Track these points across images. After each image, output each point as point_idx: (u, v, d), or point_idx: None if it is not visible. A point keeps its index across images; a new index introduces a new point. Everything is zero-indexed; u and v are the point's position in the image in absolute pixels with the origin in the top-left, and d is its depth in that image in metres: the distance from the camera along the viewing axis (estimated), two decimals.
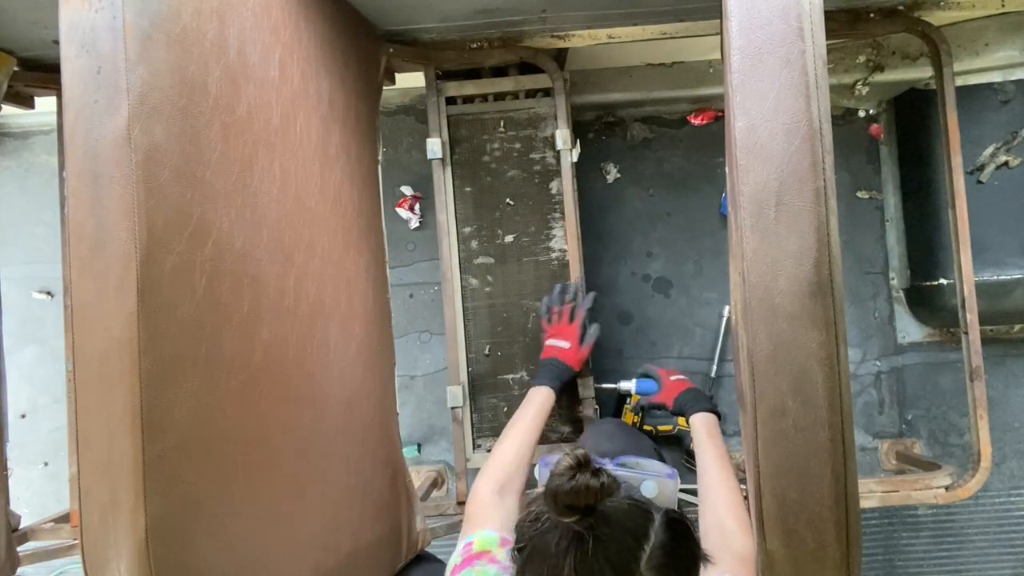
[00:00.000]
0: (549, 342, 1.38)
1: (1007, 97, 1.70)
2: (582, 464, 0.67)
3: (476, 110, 1.58)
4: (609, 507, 0.67)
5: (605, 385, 1.65)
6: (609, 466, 0.70)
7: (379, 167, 1.39)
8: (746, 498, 0.91)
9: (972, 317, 1.45)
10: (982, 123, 1.71)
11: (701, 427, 1.19)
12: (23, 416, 1.96)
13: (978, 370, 1.44)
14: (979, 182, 1.71)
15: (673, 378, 1.38)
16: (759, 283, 0.69)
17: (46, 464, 1.96)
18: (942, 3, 1.43)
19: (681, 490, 1.00)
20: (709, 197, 1.96)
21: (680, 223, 1.97)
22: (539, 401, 1.23)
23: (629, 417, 1.83)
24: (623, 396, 1.81)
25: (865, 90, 1.86)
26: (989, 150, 1.70)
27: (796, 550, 0.69)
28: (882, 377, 1.95)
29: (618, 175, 1.97)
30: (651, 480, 0.71)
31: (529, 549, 0.70)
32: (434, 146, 1.53)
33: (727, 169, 0.83)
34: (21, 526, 1.40)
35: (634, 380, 1.51)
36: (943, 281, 1.76)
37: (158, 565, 0.66)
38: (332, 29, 1.14)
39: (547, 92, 1.56)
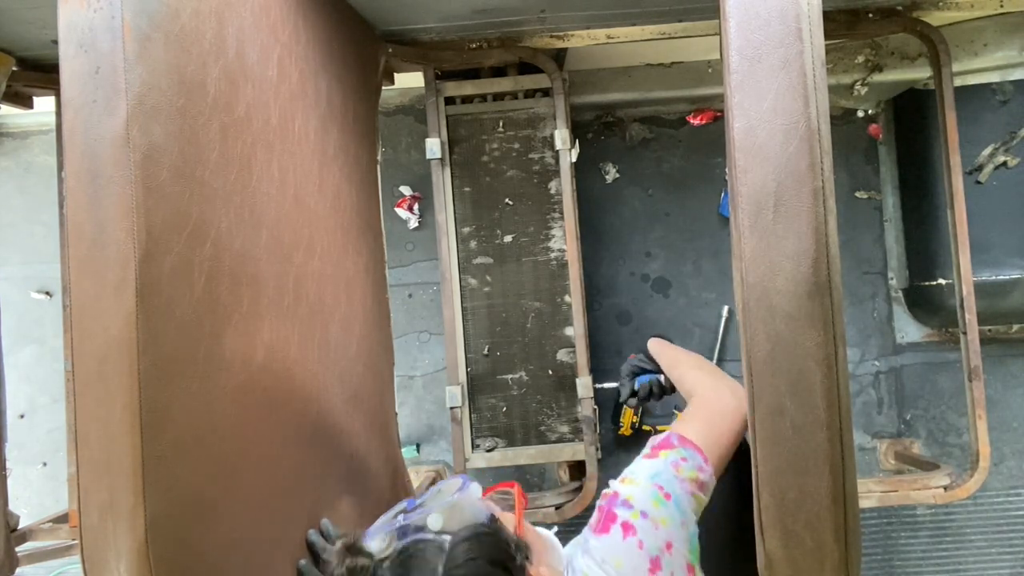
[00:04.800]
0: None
1: (1006, 97, 1.70)
2: (350, 549, 0.70)
3: (475, 110, 1.58)
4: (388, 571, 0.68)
5: (606, 385, 1.65)
6: (396, 522, 0.72)
7: (378, 167, 1.39)
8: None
9: (971, 317, 1.45)
10: (981, 123, 1.71)
11: (655, 345, 1.24)
12: (22, 416, 1.96)
13: (977, 370, 1.44)
14: (978, 182, 1.72)
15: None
16: (757, 283, 0.69)
17: (45, 464, 1.96)
18: (941, 3, 1.43)
19: None
20: (708, 197, 1.96)
21: (679, 223, 1.97)
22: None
23: (629, 417, 1.83)
24: (620, 404, 1.81)
25: (864, 90, 1.86)
26: (988, 150, 1.70)
27: (795, 550, 0.69)
28: (881, 377, 1.95)
29: (617, 175, 1.97)
30: (435, 513, 0.71)
31: None
32: (433, 146, 1.53)
33: (727, 169, 0.83)
34: (20, 526, 1.40)
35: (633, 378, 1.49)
36: (942, 281, 1.76)
37: (157, 565, 0.66)
38: (331, 29, 1.14)
39: (546, 92, 1.56)
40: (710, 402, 0.94)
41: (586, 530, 0.82)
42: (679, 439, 0.86)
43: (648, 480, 0.81)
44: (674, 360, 1.15)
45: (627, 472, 0.84)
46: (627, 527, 0.78)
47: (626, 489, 0.81)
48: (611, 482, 0.84)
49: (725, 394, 0.94)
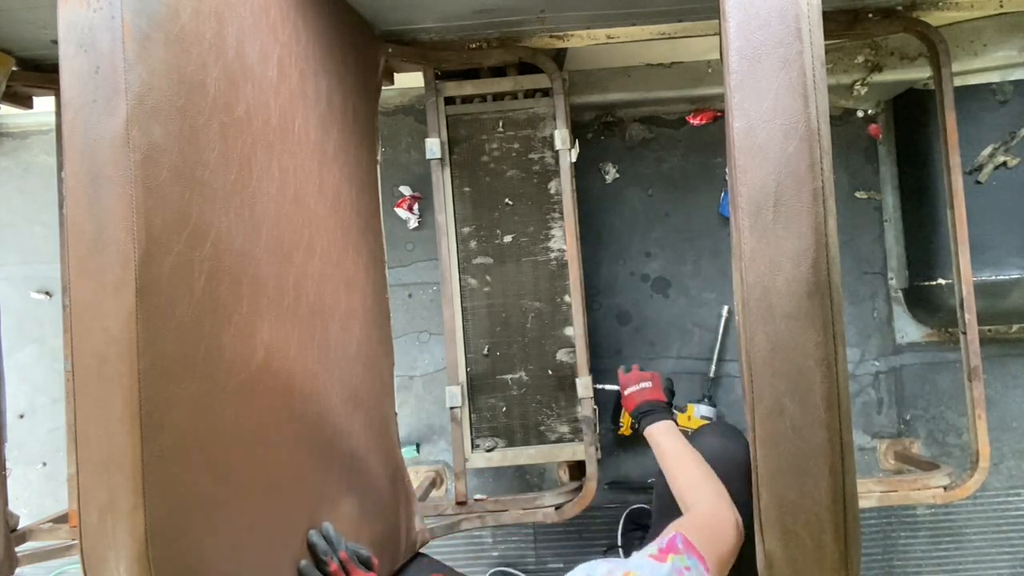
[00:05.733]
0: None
1: (1005, 97, 1.70)
2: None
3: (475, 110, 1.58)
4: None
5: (606, 386, 1.65)
6: None
7: (378, 167, 1.39)
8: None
9: (970, 317, 1.45)
10: (980, 123, 1.71)
11: (653, 434, 1.23)
12: (22, 416, 1.96)
13: (976, 370, 1.44)
14: (977, 182, 1.72)
15: (643, 384, 1.40)
16: (757, 283, 0.69)
17: (45, 464, 1.96)
18: (940, 3, 1.44)
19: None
20: (708, 197, 1.96)
21: (679, 223, 1.97)
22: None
23: (628, 417, 1.84)
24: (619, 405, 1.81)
25: (864, 90, 1.86)
26: (987, 150, 1.70)
27: (794, 550, 0.69)
28: (880, 377, 1.95)
29: (617, 175, 1.97)
30: None
31: None
32: (433, 146, 1.53)
33: (727, 169, 0.83)
34: (20, 526, 1.40)
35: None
36: (941, 281, 1.76)
37: (157, 565, 0.66)
38: (331, 29, 1.14)
39: (546, 92, 1.56)
40: (711, 523, 0.95)
41: None
42: (684, 544, 0.86)
43: None
44: (670, 459, 1.15)
45: (633, 567, 0.83)
46: None
47: None
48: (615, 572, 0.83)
49: (725, 514, 0.96)
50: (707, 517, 0.96)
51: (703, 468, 1.09)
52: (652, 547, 0.86)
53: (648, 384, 1.39)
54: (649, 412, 1.30)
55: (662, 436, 1.21)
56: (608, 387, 1.64)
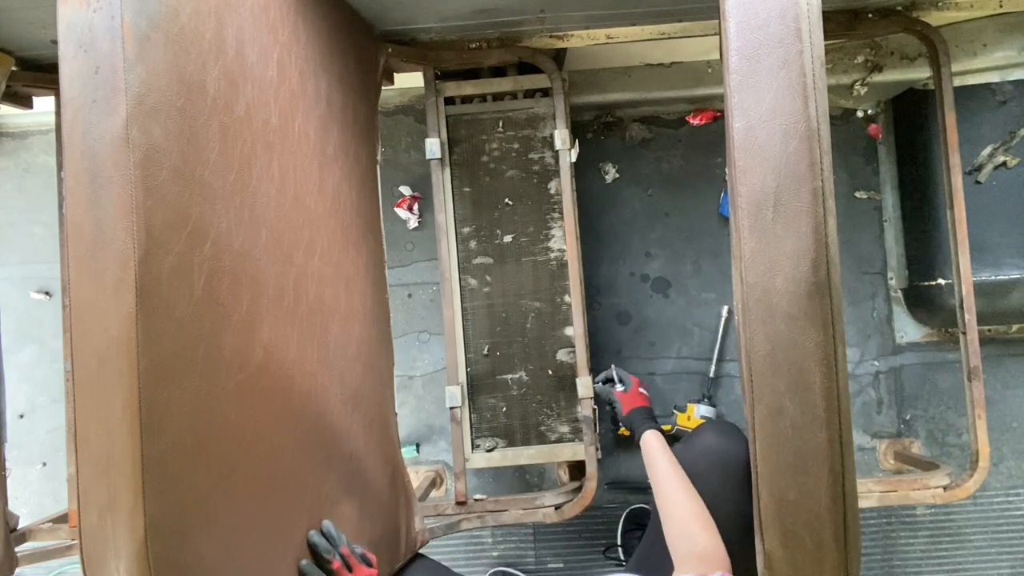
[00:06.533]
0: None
1: (1005, 97, 1.71)
2: None
3: (475, 110, 1.58)
4: None
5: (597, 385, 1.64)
6: None
7: (378, 167, 1.39)
8: None
9: (970, 317, 1.45)
10: (980, 123, 1.71)
11: (653, 443, 1.23)
12: (21, 416, 1.96)
13: (976, 370, 1.44)
14: (977, 182, 1.72)
15: (641, 390, 1.47)
16: (757, 283, 0.69)
17: (44, 464, 1.96)
18: (940, 3, 1.44)
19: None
20: (707, 197, 1.96)
21: (678, 223, 1.97)
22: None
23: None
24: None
25: (863, 90, 1.86)
26: (987, 150, 1.70)
27: (794, 550, 0.69)
28: (880, 377, 1.95)
29: (616, 175, 1.97)
30: None
31: None
32: (433, 146, 1.53)
33: (727, 169, 0.83)
34: (19, 526, 1.40)
35: (615, 373, 1.54)
36: (941, 281, 1.76)
37: (157, 565, 0.66)
38: (330, 29, 1.14)
39: (546, 92, 1.56)
40: (699, 559, 0.95)
41: None
42: None
43: None
44: (657, 480, 1.15)
45: None
46: None
47: None
48: None
49: (707, 544, 0.96)
50: (711, 552, 0.94)
51: (691, 492, 1.08)
52: None
53: (642, 391, 1.46)
54: (643, 419, 1.35)
55: (661, 446, 1.22)
56: (602, 386, 1.61)
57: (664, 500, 1.08)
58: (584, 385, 1.50)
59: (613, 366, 1.56)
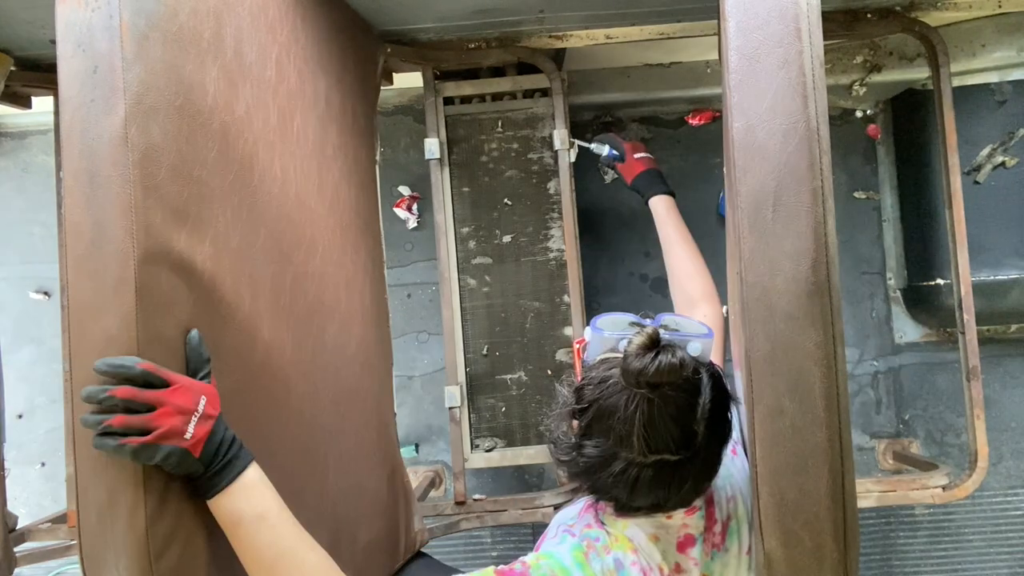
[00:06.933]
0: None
1: (1004, 97, 1.71)
2: (656, 342, 0.76)
3: (474, 110, 1.58)
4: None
5: (591, 146, 1.46)
6: (664, 335, 0.79)
7: (377, 167, 1.38)
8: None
9: (969, 317, 1.45)
10: (979, 123, 1.71)
11: (661, 208, 1.30)
12: (20, 416, 1.95)
13: (975, 370, 1.44)
14: (976, 182, 1.72)
15: (637, 155, 1.38)
16: (756, 283, 0.69)
17: (43, 464, 1.95)
18: (939, 4, 1.44)
19: None
20: (706, 197, 1.96)
21: None
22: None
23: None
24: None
25: (862, 90, 1.86)
26: (986, 150, 1.70)
27: (794, 550, 0.69)
28: (879, 377, 1.95)
29: (616, 175, 1.97)
30: (696, 342, 0.79)
31: (595, 410, 0.78)
32: (432, 146, 1.53)
33: (725, 169, 0.83)
34: (18, 526, 1.40)
35: (605, 145, 1.42)
36: (940, 281, 1.76)
37: (157, 565, 0.65)
38: (329, 29, 1.14)
39: (545, 92, 1.56)
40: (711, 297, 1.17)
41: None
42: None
43: None
44: (670, 243, 1.28)
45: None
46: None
47: None
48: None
49: (713, 289, 1.18)
50: (711, 321, 1.09)
51: (700, 264, 1.23)
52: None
53: (647, 154, 1.38)
54: (653, 183, 1.33)
55: (669, 213, 1.30)
56: (594, 147, 1.45)
57: (673, 258, 1.25)
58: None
59: (592, 138, 1.45)
